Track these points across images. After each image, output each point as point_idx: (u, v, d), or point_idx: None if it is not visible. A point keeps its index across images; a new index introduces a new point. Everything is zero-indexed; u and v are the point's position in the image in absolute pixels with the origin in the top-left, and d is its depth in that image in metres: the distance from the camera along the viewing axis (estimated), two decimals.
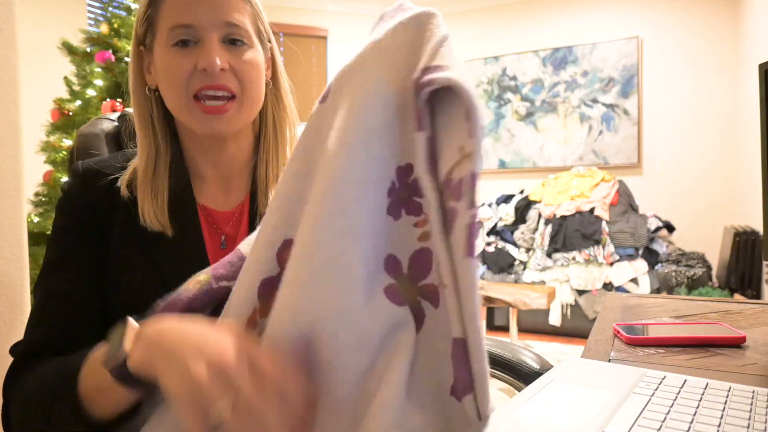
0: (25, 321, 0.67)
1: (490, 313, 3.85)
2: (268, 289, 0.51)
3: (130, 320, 0.51)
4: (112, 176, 0.70)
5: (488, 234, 4.33)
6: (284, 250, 0.51)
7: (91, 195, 0.69)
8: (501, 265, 4.03)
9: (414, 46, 0.50)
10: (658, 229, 3.86)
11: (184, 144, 0.74)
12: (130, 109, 0.88)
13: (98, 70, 2.33)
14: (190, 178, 0.73)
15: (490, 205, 4.54)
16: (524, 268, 3.99)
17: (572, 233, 3.89)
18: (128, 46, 2.33)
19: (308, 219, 0.48)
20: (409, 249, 0.50)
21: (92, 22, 3.71)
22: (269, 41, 0.75)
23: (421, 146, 0.47)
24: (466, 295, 0.45)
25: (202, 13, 0.65)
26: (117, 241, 0.67)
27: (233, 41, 0.68)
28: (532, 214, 4.23)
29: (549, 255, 3.92)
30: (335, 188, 0.47)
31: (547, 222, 4.06)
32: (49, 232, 2.17)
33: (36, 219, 2.24)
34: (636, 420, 0.42)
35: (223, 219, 0.73)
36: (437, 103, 0.49)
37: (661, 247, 3.76)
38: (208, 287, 0.56)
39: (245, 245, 0.58)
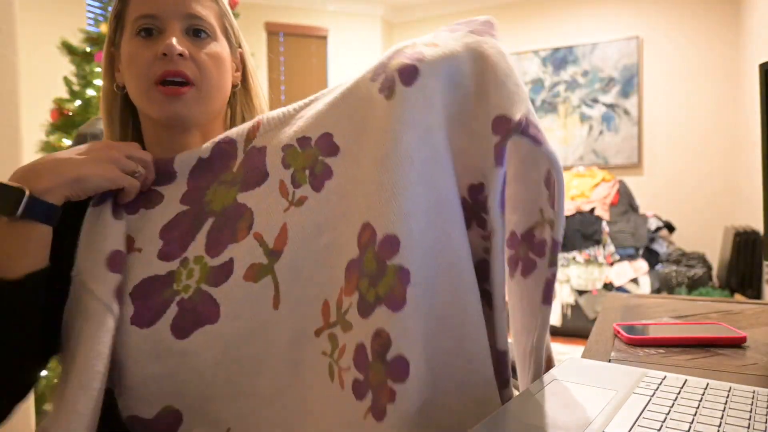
0: None
1: None
2: (352, 270, 0.54)
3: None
4: None
5: None
6: (363, 233, 0.54)
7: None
8: None
9: (501, 80, 0.54)
10: (658, 229, 3.86)
11: (148, 141, 0.74)
12: None
13: (98, 70, 2.33)
14: None
15: None
16: None
17: (572, 233, 3.89)
18: None
19: (416, 220, 0.52)
20: (476, 256, 0.56)
21: (92, 22, 3.72)
22: (239, 46, 0.77)
23: (499, 182, 0.53)
24: (540, 335, 0.55)
25: (165, 4, 0.67)
26: (72, 237, 0.66)
27: (197, 32, 0.69)
28: None
29: None
30: (439, 196, 0.53)
31: None
32: None
33: None
34: (636, 420, 0.42)
35: None
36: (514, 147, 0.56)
37: (661, 247, 3.76)
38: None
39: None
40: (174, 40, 0.66)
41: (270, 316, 0.58)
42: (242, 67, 0.78)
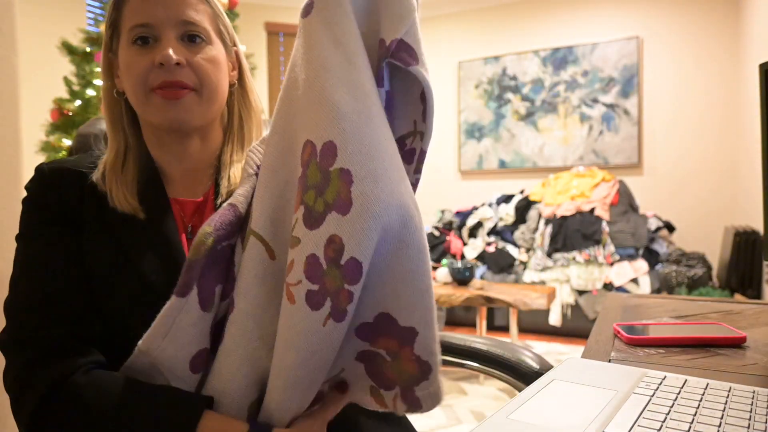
0: None
1: (490, 313, 3.85)
2: (299, 187, 0.56)
3: None
4: (81, 172, 0.70)
5: (488, 234, 4.32)
6: (304, 150, 0.56)
7: (60, 190, 0.69)
8: (501, 265, 4.03)
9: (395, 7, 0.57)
10: (658, 229, 3.86)
11: (149, 144, 0.75)
12: None
13: (98, 70, 2.33)
14: (158, 173, 0.74)
15: (490, 205, 4.53)
16: (524, 268, 3.99)
17: (572, 233, 3.89)
18: None
19: (349, 122, 0.53)
20: None
21: (92, 22, 3.72)
22: (233, 44, 0.77)
23: (382, 100, 0.57)
24: None
25: (159, 12, 0.68)
26: (87, 232, 0.68)
27: (191, 38, 0.70)
28: (532, 214, 4.23)
29: (549, 255, 3.91)
30: (364, 95, 0.55)
31: (547, 222, 4.06)
32: None
33: None
34: (636, 420, 0.42)
35: (189, 209, 0.74)
36: (394, 68, 0.59)
37: (661, 247, 3.76)
38: (213, 250, 0.60)
39: (234, 200, 0.64)
40: (170, 50, 0.66)
41: (270, 266, 0.60)
42: (238, 65, 0.78)
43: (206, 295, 0.60)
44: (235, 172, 0.74)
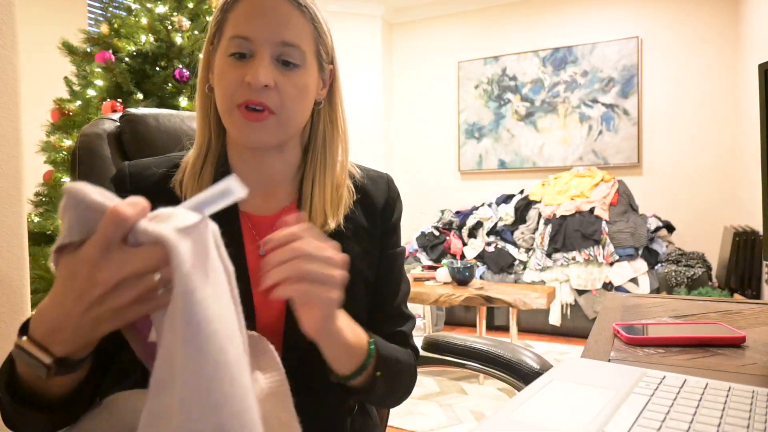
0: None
1: (490, 313, 3.85)
2: None
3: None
4: (159, 173, 0.72)
5: (488, 234, 4.33)
6: None
7: (139, 188, 0.70)
8: (501, 265, 4.04)
9: None
10: (657, 229, 3.86)
11: (230, 148, 0.75)
12: (131, 110, 0.89)
13: (98, 70, 2.33)
14: None
15: (490, 205, 4.54)
16: (524, 268, 3.99)
17: (572, 233, 3.89)
18: (128, 46, 2.32)
19: None
20: None
21: (92, 22, 3.72)
22: (330, 63, 0.76)
23: None
24: None
25: (260, 28, 0.67)
26: None
27: (286, 62, 0.68)
28: (532, 214, 4.23)
29: (549, 255, 3.92)
30: None
31: (546, 222, 4.06)
32: (50, 232, 2.17)
33: (36, 219, 2.23)
34: (636, 420, 0.42)
35: (264, 225, 0.74)
36: None
37: (660, 247, 3.76)
38: None
39: None
40: (261, 72, 0.65)
41: None
42: (330, 82, 0.76)
43: None
44: (317, 196, 0.74)
